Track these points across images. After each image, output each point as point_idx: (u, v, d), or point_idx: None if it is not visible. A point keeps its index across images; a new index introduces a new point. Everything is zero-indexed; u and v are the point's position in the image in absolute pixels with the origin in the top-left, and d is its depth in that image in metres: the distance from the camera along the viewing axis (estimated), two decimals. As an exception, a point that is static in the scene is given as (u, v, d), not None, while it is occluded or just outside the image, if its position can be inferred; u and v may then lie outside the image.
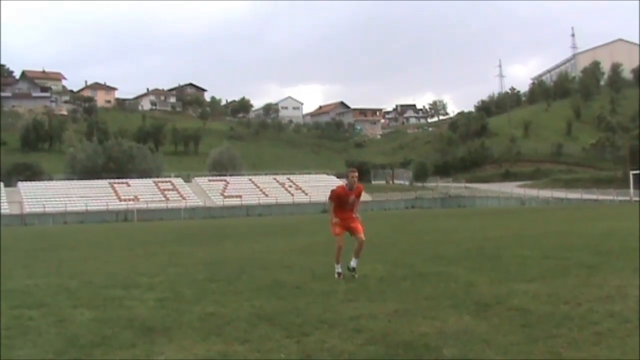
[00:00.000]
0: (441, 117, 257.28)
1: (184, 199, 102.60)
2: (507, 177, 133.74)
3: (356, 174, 15.31)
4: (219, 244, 30.35)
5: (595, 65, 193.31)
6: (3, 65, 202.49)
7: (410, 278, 13.97)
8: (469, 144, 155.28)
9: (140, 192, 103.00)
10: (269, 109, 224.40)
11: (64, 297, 12.97)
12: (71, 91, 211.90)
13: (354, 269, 14.67)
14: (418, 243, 25.07)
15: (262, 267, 17.52)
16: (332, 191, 15.31)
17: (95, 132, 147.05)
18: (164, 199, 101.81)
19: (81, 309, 11.38)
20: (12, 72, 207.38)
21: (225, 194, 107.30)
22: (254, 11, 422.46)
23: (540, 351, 7.38)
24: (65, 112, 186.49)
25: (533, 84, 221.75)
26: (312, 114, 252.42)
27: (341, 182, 15.76)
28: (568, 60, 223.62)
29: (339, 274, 14.59)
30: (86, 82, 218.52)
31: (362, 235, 14.80)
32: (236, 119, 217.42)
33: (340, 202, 15.01)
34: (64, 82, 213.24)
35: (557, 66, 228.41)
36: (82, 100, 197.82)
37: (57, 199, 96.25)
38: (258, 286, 13.64)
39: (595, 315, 9.12)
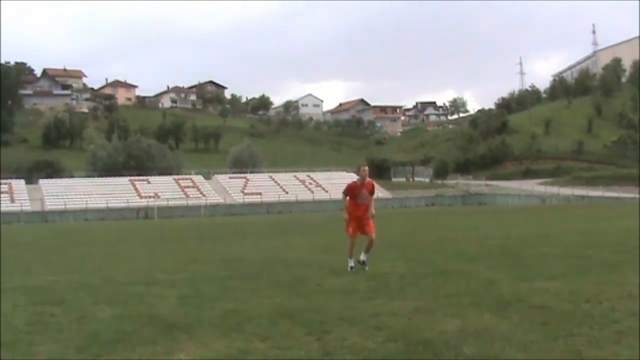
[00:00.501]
0: (461, 115, 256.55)
1: (204, 196, 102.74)
2: (528, 174, 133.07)
3: (367, 168, 15.86)
4: (239, 241, 30.42)
5: (617, 62, 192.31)
6: (24, 64, 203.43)
7: (431, 276, 13.96)
8: (489, 141, 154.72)
9: (161, 190, 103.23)
10: (289, 106, 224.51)
11: (85, 294, 13.03)
12: (92, 89, 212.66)
13: (363, 262, 15.08)
14: (439, 240, 25.04)
15: (283, 265, 17.55)
16: (347, 185, 15.76)
17: (115, 129, 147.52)
18: (184, 196, 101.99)
19: (102, 305, 11.43)
20: (33, 70, 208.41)
21: (246, 191, 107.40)
22: (275, 8, 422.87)
23: (560, 349, 7.36)
24: (86, 110, 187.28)
25: (554, 80, 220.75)
26: (332, 112, 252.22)
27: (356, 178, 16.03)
28: (589, 57, 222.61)
29: (351, 267, 15.04)
30: (107, 79, 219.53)
31: (373, 235, 15.25)
32: (256, 117, 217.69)
33: (353, 195, 15.41)
34: (84, 80, 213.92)
35: (578, 63, 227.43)
36: (103, 98, 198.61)
37: (78, 196, 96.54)
38: (278, 283, 13.67)
39: (616, 314, 9.08)
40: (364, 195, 15.33)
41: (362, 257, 15.05)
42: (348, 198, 15.51)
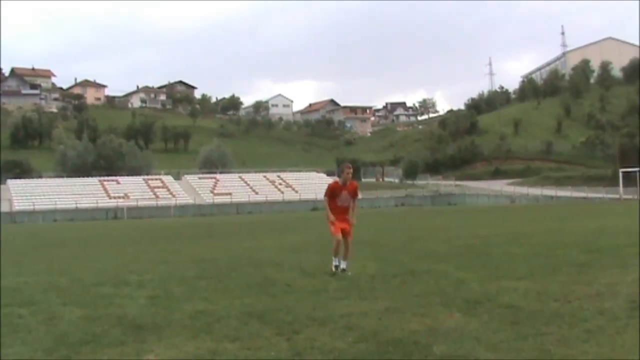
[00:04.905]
0: (431, 115, 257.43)
1: (174, 196, 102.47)
2: (497, 174, 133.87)
3: (351, 170, 15.36)
4: (209, 241, 30.35)
5: (585, 63, 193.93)
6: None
7: (401, 276, 13.98)
8: (459, 141, 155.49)
9: (130, 190, 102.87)
10: (259, 106, 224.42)
11: (53, 295, 12.94)
12: (61, 88, 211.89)
13: (344, 269, 14.76)
14: (408, 241, 25.07)
15: (252, 265, 17.51)
16: (328, 186, 15.38)
17: (85, 129, 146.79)
18: (154, 196, 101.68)
19: (71, 306, 11.35)
20: (1, 69, 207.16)
21: (215, 191, 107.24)
22: (246, 8, 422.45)
23: (530, 348, 7.39)
24: (54, 110, 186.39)
25: (523, 81, 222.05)
26: (302, 112, 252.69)
27: (332, 180, 15.74)
28: (558, 58, 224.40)
29: (336, 266, 14.71)
30: (76, 79, 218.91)
31: (349, 238, 14.95)
32: (226, 117, 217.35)
33: (334, 197, 15.04)
34: (53, 80, 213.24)
35: (548, 64, 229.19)
36: (72, 98, 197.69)
37: (47, 197, 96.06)
38: (248, 284, 13.63)
39: (584, 313, 9.13)
40: (344, 197, 15.03)
41: (342, 265, 14.83)
42: (328, 199, 15.14)
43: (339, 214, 15.05)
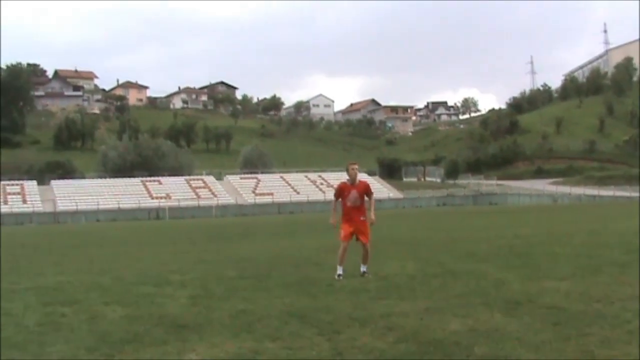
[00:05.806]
0: (472, 114, 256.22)
1: (215, 196, 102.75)
2: (539, 174, 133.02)
3: (356, 166, 14.95)
4: (250, 241, 30.43)
5: (628, 61, 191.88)
6: (37, 65, 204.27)
7: (441, 276, 13.95)
8: (500, 141, 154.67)
9: (172, 190, 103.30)
10: (300, 106, 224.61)
11: (96, 294, 13.06)
12: (103, 90, 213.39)
13: (364, 273, 14.45)
14: (449, 241, 24.98)
15: (293, 265, 17.56)
16: (336, 187, 15.10)
17: (127, 130, 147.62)
18: (195, 196, 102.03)
19: (113, 305, 11.45)
20: (45, 71, 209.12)
21: (257, 191, 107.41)
22: (287, 6, 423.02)
23: (572, 350, 7.34)
24: (97, 111, 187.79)
25: (565, 80, 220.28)
26: (343, 112, 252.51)
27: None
28: (600, 56, 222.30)
29: (339, 275, 14.26)
30: (118, 80, 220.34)
31: (367, 243, 14.48)
32: (267, 117, 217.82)
33: (342, 197, 14.66)
34: (95, 81, 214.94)
35: (590, 62, 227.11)
36: (114, 99, 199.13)
37: (90, 197, 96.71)
38: (288, 283, 13.67)
39: (627, 314, 9.05)
40: (353, 197, 14.54)
41: (362, 268, 14.53)
42: (339, 200, 14.75)
43: (351, 216, 14.55)
